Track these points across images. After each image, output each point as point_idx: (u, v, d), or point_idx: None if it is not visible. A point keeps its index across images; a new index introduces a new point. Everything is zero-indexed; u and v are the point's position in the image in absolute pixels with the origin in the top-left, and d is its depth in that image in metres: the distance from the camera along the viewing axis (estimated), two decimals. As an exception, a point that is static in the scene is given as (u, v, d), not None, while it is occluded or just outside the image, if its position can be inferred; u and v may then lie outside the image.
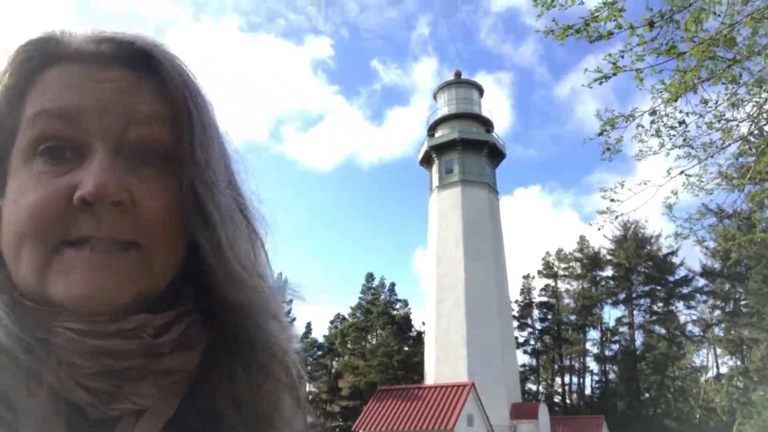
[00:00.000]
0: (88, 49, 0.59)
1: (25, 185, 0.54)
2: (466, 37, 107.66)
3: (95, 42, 0.59)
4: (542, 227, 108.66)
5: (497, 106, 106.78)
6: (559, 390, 60.59)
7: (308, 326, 58.44)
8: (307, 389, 0.68)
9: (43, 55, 0.59)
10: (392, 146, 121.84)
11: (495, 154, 43.12)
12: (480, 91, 46.59)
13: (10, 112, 0.57)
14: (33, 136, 0.55)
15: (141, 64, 0.59)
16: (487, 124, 44.39)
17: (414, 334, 56.65)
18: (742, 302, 50.12)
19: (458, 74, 46.61)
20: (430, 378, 36.26)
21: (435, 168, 42.46)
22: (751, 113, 7.79)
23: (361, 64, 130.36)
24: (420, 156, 44.40)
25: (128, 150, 0.56)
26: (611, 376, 57.33)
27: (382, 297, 58.95)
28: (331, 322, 62.71)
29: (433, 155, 42.43)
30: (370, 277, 60.98)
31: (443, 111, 44.46)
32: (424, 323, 47.52)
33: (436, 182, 41.99)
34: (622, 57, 6.92)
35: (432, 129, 44.59)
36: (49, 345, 0.52)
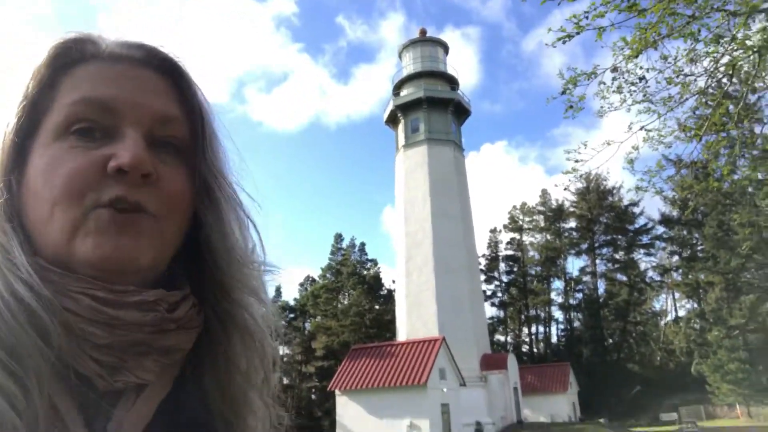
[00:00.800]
0: (121, 52, 0.67)
1: (59, 156, 0.60)
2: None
3: (127, 47, 0.68)
4: (508, 182, 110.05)
5: (465, 61, 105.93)
6: (527, 340, 62.66)
7: (278, 289, 58.57)
8: (280, 358, 0.75)
9: (79, 52, 0.66)
10: (359, 105, 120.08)
11: (460, 111, 43.12)
12: (445, 48, 46.18)
13: (41, 98, 0.63)
14: (68, 117, 0.61)
15: (165, 70, 0.69)
16: (453, 82, 44.19)
17: (385, 292, 57.37)
18: (699, 247, 52.13)
19: (423, 32, 46.03)
20: (402, 335, 36.97)
21: (401, 127, 42.28)
22: (708, 68, 7.96)
23: (326, 21, 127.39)
24: (386, 115, 44.08)
25: (152, 139, 0.64)
26: (576, 324, 59.43)
27: (352, 257, 59.29)
28: (301, 285, 63.06)
29: (399, 114, 42.19)
30: (339, 237, 61.19)
31: (408, 69, 44.03)
32: (394, 281, 48.17)
33: (402, 141, 41.89)
34: (587, 17, 6.96)
35: (397, 88, 44.16)
36: (67, 312, 0.55)
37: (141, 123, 0.63)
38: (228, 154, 0.72)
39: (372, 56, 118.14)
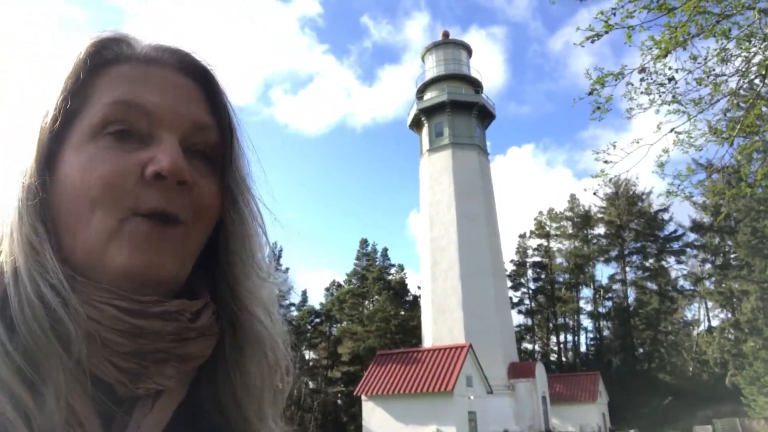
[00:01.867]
0: (156, 55, 0.67)
1: (96, 157, 0.59)
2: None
3: (161, 50, 0.68)
4: (536, 186, 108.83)
5: (490, 62, 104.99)
6: (555, 348, 61.69)
7: (304, 294, 58.93)
8: (294, 370, 0.75)
9: (115, 53, 0.66)
10: (385, 107, 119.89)
11: (484, 115, 42.88)
12: (468, 51, 46.00)
13: (76, 95, 0.63)
14: (105, 117, 0.61)
15: (197, 76, 0.69)
16: (476, 85, 43.95)
17: (410, 298, 57.22)
18: (732, 255, 50.75)
19: (446, 34, 45.93)
20: (428, 341, 36.80)
21: (425, 131, 42.21)
22: (740, 68, 7.77)
23: (351, 21, 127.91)
24: (409, 119, 44.06)
25: (186, 146, 0.64)
26: (605, 332, 58.32)
27: (377, 262, 59.32)
28: (327, 289, 63.24)
29: (423, 118, 42.13)
30: (364, 243, 61.29)
31: (431, 73, 43.90)
32: (419, 287, 48.00)
33: (426, 145, 41.80)
34: (614, 14, 6.87)
35: (421, 92, 44.09)
36: (91, 321, 0.56)
37: (177, 129, 0.63)
38: (250, 165, 0.72)
39: (397, 57, 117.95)
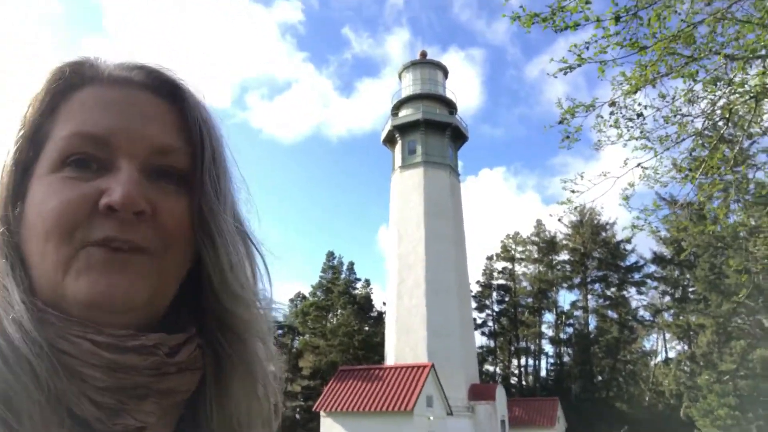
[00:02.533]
0: (121, 74, 0.65)
1: (52, 188, 0.58)
2: (439, 10, 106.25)
3: (127, 69, 0.66)
4: (506, 209, 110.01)
5: (468, 83, 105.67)
6: (516, 371, 62.10)
7: (269, 305, 58.08)
8: (281, 402, 0.72)
9: (78, 77, 0.64)
10: (361, 119, 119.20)
11: (458, 136, 43.35)
12: (445, 72, 46.58)
13: (41, 126, 0.62)
14: (62, 151, 0.60)
15: (167, 94, 0.66)
16: (451, 106, 44.49)
17: (375, 314, 57.03)
18: (690, 289, 52.03)
19: (424, 54, 46.46)
20: (391, 358, 36.63)
21: (398, 148, 42.43)
22: (706, 109, 8.02)
23: (332, 31, 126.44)
24: (383, 135, 44.28)
25: (150, 169, 0.61)
26: (566, 358, 58.98)
27: (343, 276, 59.04)
28: (292, 300, 62.62)
29: (397, 135, 42.37)
30: (330, 255, 60.97)
31: (408, 91, 44.25)
32: (384, 303, 47.91)
33: (399, 162, 41.99)
34: (587, 48, 7.03)
35: (396, 108, 44.42)
36: (65, 355, 0.54)
37: (137, 155, 0.61)
38: (236, 183, 0.68)
39: (376, 70, 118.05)
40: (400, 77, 46.39)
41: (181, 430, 0.63)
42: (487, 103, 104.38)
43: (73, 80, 0.64)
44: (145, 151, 0.61)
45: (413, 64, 45.44)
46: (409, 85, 44.57)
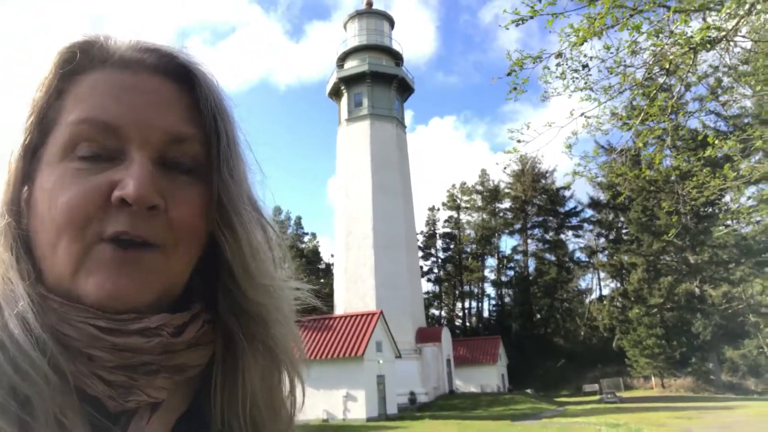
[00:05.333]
0: (132, 57, 0.62)
1: (63, 179, 0.56)
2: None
3: (139, 51, 0.63)
4: (454, 158, 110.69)
5: (421, 27, 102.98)
6: (460, 314, 64.62)
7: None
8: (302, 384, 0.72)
9: (86, 58, 0.61)
10: (311, 66, 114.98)
11: (404, 88, 43.21)
12: (391, 22, 45.91)
13: (49, 107, 0.60)
14: (72, 137, 0.58)
15: (179, 78, 0.63)
16: (397, 58, 44.10)
17: (323, 266, 57.47)
18: (624, 230, 54.93)
19: (370, 3, 45.47)
20: (340, 308, 37.30)
21: (344, 101, 41.97)
22: (647, 60, 8.42)
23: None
24: (328, 88, 43.59)
25: (162, 159, 0.60)
26: (507, 300, 61.70)
27: (290, 231, 58.93)
28: (239, 257, 62.19)
29: (342, 88, 41.83)
30: (277, 211, 60.56)
31: (353, 42, 43.52)
32: (333, 255, 48.30)
33: (345, 115, 41.63)
34: (540, 2, 7.21)
35: (341, 60, 43.62)
36: (70, 339, 0.54)
37: (149, 144, 0.59)
38: (250, 167, 0.67)
39: (327, 13, 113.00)
40: (345, 27, 45.41)
41: (196, 407, 0.63)
42: (441, 49, 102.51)
43: (81, 61, 0.61)
44: (158, 141, 0.59)
45: (358, 14, 44.49)
46: (354, 36, 43.76)
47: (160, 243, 0.57)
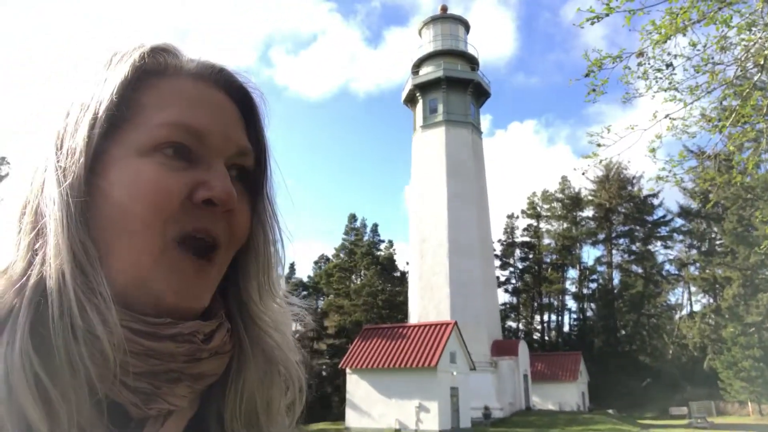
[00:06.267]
0: (202, 72, 0.66)
1: (141, 175, 0.58)
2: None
3: (207, 67, 0.67)
4: (533, 164, 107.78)
5: (501, 28, 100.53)
6: (539, 327, 62.54)
7: (292, 266, 59.00)
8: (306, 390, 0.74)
9: (160, 63, 0.64)
10: (390, 72, 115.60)
11: (480, 93, 42.65)
12: (466, 26, 45.52)
13: (124, 100, 0.60)
14: (158, 139, 0.59)
15: (241, 99, 0.69)
16: (473, 62, 43.62)
17: (398, 274, 57.51)
18: (717, 242, 51.38)
19: (444, 9, 45.35)
20: (414, 317, 37.13)
21: (419, 107, 41.96)
22: (739, 56, 7.72)
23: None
24: (404, 95, 43.74)
25: (230, 170, 0.64)
26: (589, 313, 59.14)
27: (366, 238, 59.42)
28: (316, 263, 63.42)
29: (417, 94, 41.83)
30: (352, 218, 61.30)
31: (428, 48, 43.46)
32: (408, 263, 48.21)
33: (420, 121, 41.60)
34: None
35: (416, 66, 43.64)
36: (103, 342, 0.53)
37: (224, 154, 0.63)
38: (276, 188, 0.71)
39: (405, 19, 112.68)
40: (420, 33, 45.47)
41: (203, 410, 0.65)
42: (521, 50, 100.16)
43: (157, 66, 0.64)
44: (231, 152, 0.64)
45: (433, 20, 44.45)
46: (429, 42, 43.72)
47: (223, 245, 0.61)
